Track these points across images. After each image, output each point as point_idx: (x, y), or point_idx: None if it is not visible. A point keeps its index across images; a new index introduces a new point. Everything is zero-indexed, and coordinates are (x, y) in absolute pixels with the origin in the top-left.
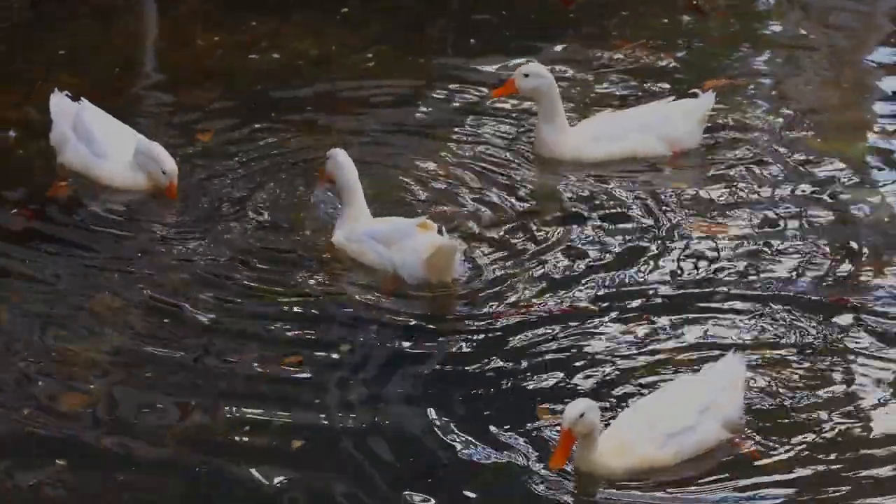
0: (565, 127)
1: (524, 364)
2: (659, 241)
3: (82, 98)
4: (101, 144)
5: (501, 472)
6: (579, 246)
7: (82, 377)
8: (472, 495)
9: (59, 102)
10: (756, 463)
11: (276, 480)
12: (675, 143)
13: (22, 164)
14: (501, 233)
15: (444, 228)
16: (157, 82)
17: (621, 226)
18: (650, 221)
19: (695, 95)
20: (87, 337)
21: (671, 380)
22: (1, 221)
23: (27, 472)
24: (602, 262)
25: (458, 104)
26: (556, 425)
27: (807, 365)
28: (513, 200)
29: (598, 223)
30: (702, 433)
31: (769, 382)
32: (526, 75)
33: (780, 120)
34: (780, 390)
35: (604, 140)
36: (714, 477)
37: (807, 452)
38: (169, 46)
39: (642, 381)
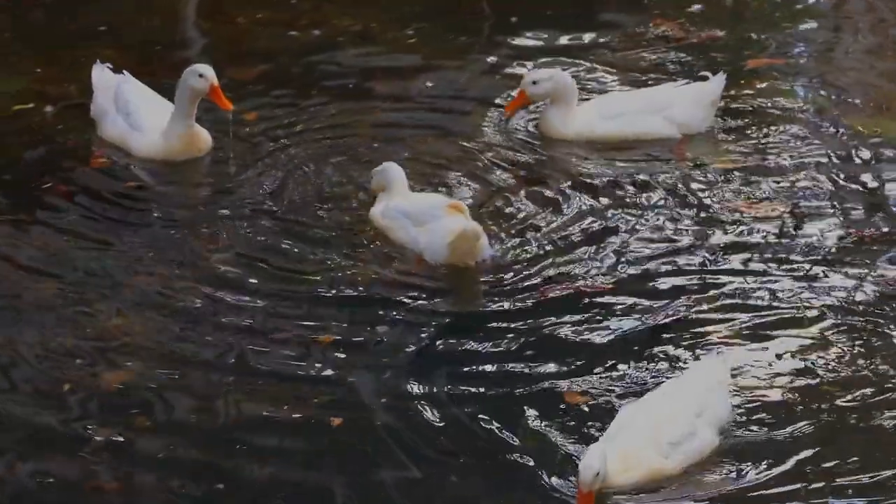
0: (575, 109)
1: (555, 343)
2: (692, 221)
3: (124, 70)
4: (139, 117)
5: (527, 456)
6: (611, 226)
7: (123, 355)
8: (497, 478)
9: (101, 74)
10: None
11: (315, 459)
12: (684, 126)
13: (60, 139)
14: (529, 213)
15: (468, 212)
16: (198, 59)
17: (650, 205)
18: (678, 200)
19: (705, 78)
20: (128, 314)
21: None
22: (39, 197)
23: (66, 449)
24: (634, 241)
25: (496, 81)
26: (582, 405)
27: (847, 347)
28: (539, 179)
29: (628, 203)
30: (701, 438)
31: (811, 363)
32: (534, 82)
33: (821, 99)
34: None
35: (611, 120)
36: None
37: None
38: (210, 23)
39: (672, 364)
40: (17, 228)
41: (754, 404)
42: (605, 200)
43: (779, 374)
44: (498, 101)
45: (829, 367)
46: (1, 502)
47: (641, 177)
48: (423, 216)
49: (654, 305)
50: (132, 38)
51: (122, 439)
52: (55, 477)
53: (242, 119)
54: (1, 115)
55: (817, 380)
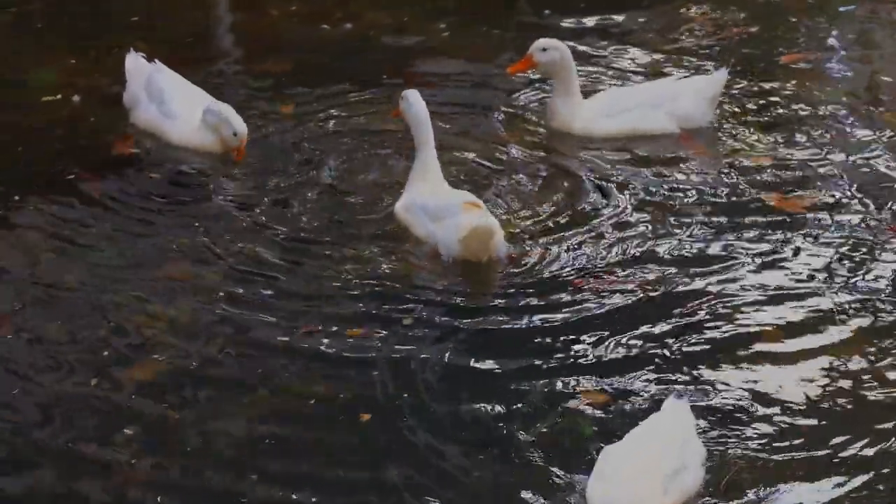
0: (579, 100)
1: (576, 340)
2: (719, 215)
3: (156, 60)
4: (173, 104)
5: (542, 454)
6: (631, 220)
7: (151, 348)
8: (513, 475)
9: (135, 63)
10: None
11: (345, 453)
12: (685, 120)
13: (89, 129)
14: (547, 208)
15: (485, 209)
16: (230, 51)
17: (673, 200)
18: (705, 195)
19: (708, 72)
20: (158, 306)
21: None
22: (67, 187)
23: (94, 441)
24: (656, 236)
25: (528, 75)
26: (599, 405)
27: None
28: (557, 174)
29: (648, 198)
30: (693, 471)
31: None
32: (544, 49)
33: (855, 94)
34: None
35: (615, 115)
36: None
37: None
38: (243, 16)
39: (695, 366)
40: (45, 219)
41: (789, 411)
42: (622, 195)
43: (811, 375)
44: (524, 98)
45: (862, 367)
46: (28, 496)
47: (658, 171)
48: (440, 212)
49: (680, 302)
50: (165, 29)
51: (150, 432)
52: (82, 470)
53: (278, 111)
54: (30, 105)
55: (852, 381)
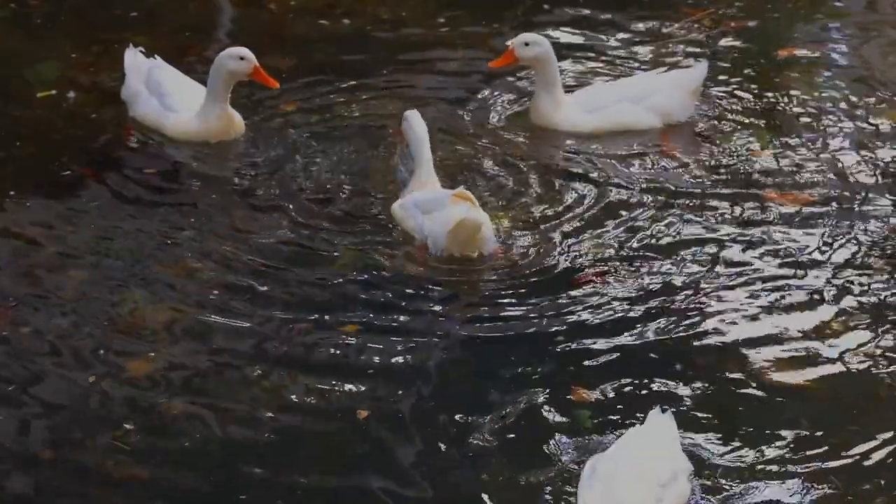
0: (562, 97)
1: (572, 336)
2: (722, 212)
3: (156, 55)
4: (173, 99)
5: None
6: (627, 215)
7: (150, 342)
8: (506, 472)
9: (133, 58)
10: None
11: (343, 449)
12: (666, 115)
13: (88, 124)
14: (540, 205)
15: (475, 202)
16: (230, 47)
17: (673, 196)
18: (704, 190)
19: (688, 66)
20: (155, 301)
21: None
22: (65, 182)
23: (92, 437)
24: (653, 230)
25: (526, 69)
26: (589, 403)
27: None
28: (548, 170)
29: (643, 193)
30: (681, 482)
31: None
32: (526, 44)
33: (853, 90)
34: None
35: (598, 111)
36: None
37: None
38: (242, 11)
39: (688, 363)
40: (41, 214)
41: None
42: (607, 190)
43: (808, 376)
44: (511, 92)
45: (861, 368)
46: (28, 493)
47: (642, 165)
48: (429, 205)
49: (674, 298)
50: (165, 25)
51: (147, 429)
52: (81, 468)
53: (277, 106)
54: (28, 101)
55: (852, 383)
